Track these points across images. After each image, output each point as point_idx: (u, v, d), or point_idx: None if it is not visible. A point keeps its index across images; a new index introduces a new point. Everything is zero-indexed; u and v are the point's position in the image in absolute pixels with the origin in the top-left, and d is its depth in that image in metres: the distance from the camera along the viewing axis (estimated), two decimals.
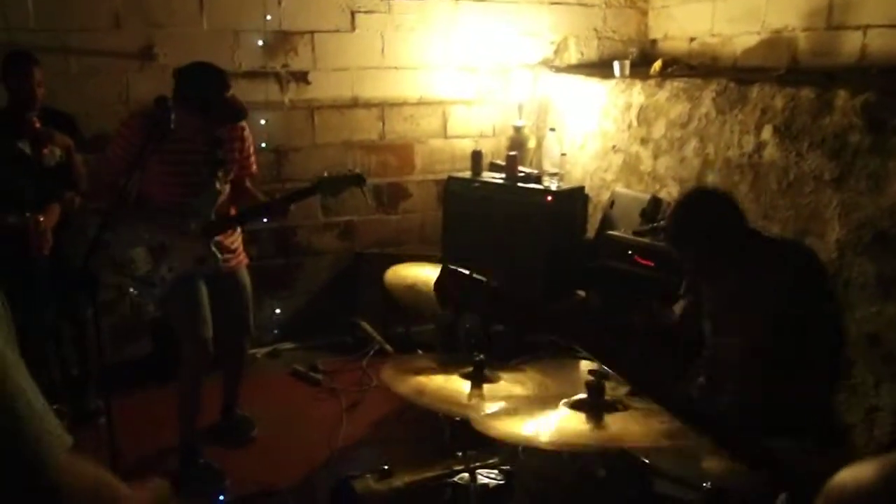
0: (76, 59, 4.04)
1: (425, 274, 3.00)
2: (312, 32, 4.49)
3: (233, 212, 3.36)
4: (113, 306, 4.21)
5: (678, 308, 2.69)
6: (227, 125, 3.17)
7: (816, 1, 3.82)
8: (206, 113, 3.00)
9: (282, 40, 4.44)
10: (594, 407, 1.90)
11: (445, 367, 2.41)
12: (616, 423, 1.86)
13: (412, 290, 3.00)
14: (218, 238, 3.22)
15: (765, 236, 2.76)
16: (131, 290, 3.25)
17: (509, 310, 1.53)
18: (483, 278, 1.52)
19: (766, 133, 3.39)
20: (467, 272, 1.53)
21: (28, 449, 0.87)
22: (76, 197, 3.56)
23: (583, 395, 1.93)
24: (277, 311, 4.66)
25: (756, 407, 2.26)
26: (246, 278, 3.41)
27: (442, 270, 1.61)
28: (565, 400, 1.94)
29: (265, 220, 3.22)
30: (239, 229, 3.40)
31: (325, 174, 3.29)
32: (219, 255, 3.19)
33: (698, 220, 2.38)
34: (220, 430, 3.57)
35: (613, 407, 1.92)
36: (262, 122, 4.41)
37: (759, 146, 3.43)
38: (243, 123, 3.27)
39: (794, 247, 2.77)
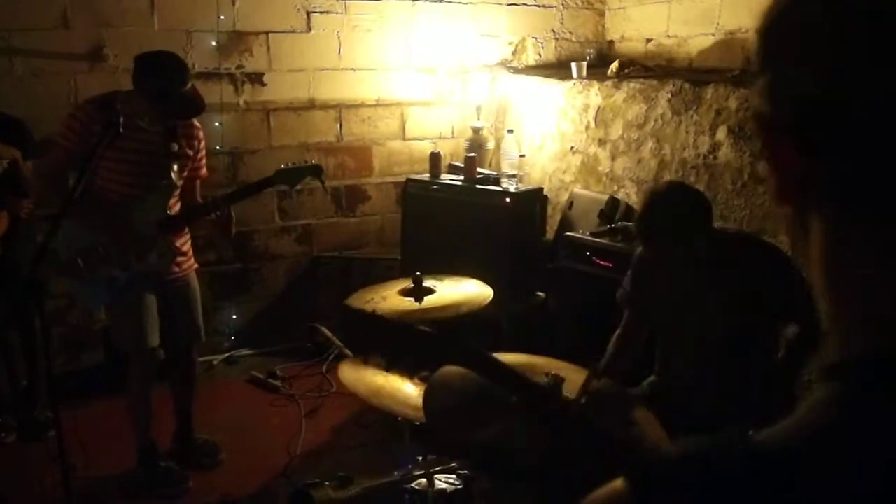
0: (22, 60, 3.92)
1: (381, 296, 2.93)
2: (267, 33, 4.42)
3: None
4: (63, 315, 4.11)
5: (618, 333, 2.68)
6: (183, 119, 3.08)
7: (769, 2, 3.86)
8: (162, 104, 2.92)
9: (236, 41, 4.36)
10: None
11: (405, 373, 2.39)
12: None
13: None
14: (171, 239, 3.13)
15: (728, 231, 2.77)
16: (80, 294, 3.15)
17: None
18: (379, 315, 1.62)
19: (721, 134, 3.43)
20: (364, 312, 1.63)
21: None
22: (24, 200, 3.45)
23: None
24: (234, 316, 4.58)
25: (719, 397, 2.27)
26: (196, 283, 3.32)
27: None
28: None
29: (217, 213, 3.20)
30: (188, 234, 3.30)
31: (283, 165, 3.23)
32: (175, 252, 3.13)
33: (670, 211, 2.36)
34: (181, 456, 3.37)
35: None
36: (217, 124, 4.33)
37: (715, 147, 3.47)
38: (198, 123, 3.21)
39: (762, 242, 2.76)
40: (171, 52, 3.04)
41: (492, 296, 2.72)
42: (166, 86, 2.89)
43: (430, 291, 2.70)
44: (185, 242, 3.25)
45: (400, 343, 1.57)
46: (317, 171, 3.22)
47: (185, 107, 3.00)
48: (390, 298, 2.65)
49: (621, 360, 2.56)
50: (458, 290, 2.75)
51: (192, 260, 3.32)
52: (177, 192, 3.13)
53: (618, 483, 0.66)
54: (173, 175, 3.05)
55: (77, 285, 3.10)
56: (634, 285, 2.59)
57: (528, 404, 1.68)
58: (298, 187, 3.50)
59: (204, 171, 3.31)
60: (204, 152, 3.28)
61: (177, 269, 3.18)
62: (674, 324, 2.49)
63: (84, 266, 2.98)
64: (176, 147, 3.06)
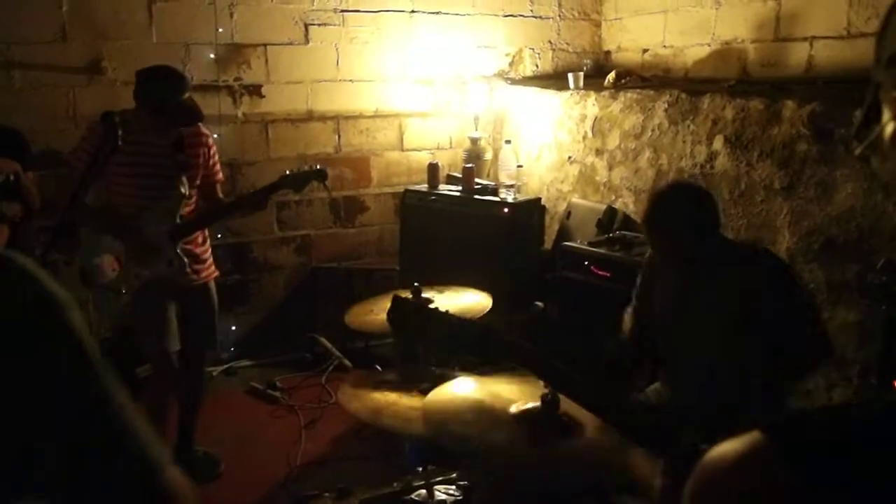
0: (20, 73, 3.93)
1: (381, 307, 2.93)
2: (265, 45, 4.44)
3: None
4: None
5: (627, 318, 2.70)
6: (181, 127, 3.17)
7: (764, 13, 3.89)
8: (160, 114, 3.03)
9: (234, 53, 4.38)
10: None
11: (405, 384, 2.40)
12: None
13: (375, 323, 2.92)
14: (188, 247, 3.20)
15: (733, 240, 2.77)
16: (102, 302, 3.21)
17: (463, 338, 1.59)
18: (435, 307, 1.65)
19: (718, 143, 3.44)
20: (419, 303, 1.67)
21: (146, 449, 0.90)
22: (23, 210, 3.47)
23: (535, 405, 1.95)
24: (233, 327, 4.58)
25: (717, 406, 2.27)
26: (214, 291, 3.38)
27: (394, 301, 1.73)
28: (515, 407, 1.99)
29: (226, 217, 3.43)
30: (208, 242, 3.37)
31: (288, 171, 3.29)
32: (185, 259, 3.18)
33: (680, 205, 2.38)
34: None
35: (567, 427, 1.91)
36: (215, 136, 4.32)
37: (711, 156, 3.48)
38: (206, 131, 3.29)
39: (762, 251, 2.76)
40: (169, 66, 3.16)
41: (490, 305, 2.73)
42: (164, 95, 3.02)
43: (429, 302, 2.70)
44: (204, 251, 3.32)
45: (456, 336, 1.65)
46: (321, 175, 3.30)
47: (183, 115, 3.10)
48: None
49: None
50: (458, 301, 2.75)
51: (213, 268, 3.38)
52: (188, 201, 3.21)
53: (749, 437, 0.63)
54: (182, 185, 3.15)
55: (98, 293, 3.20)
56: (637, 296, 2.61)
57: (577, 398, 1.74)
58: (291, 197, 3.56)
59: (220, 175, 3.39)
60: (216, 158, 3.35)
61: (195, 277, 3.24)
62: (672, 335, 2.49)
63: (104, 274, 3.07)
64: (182, 158, 3.15)
